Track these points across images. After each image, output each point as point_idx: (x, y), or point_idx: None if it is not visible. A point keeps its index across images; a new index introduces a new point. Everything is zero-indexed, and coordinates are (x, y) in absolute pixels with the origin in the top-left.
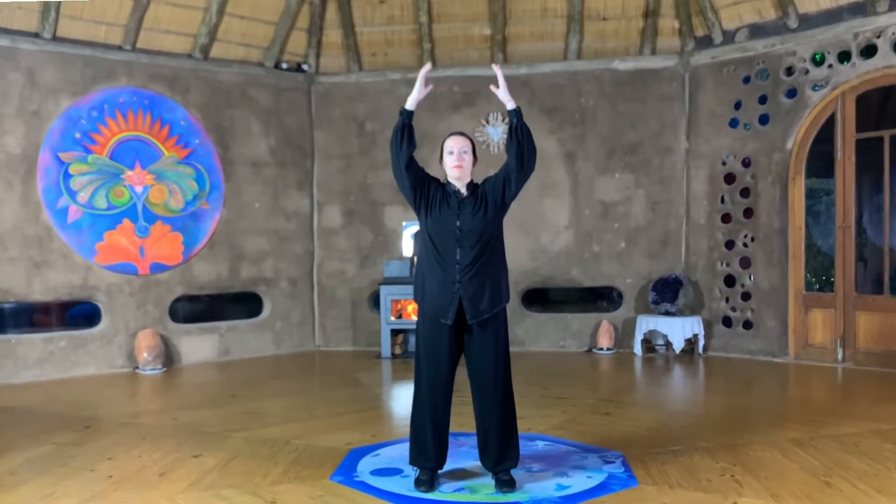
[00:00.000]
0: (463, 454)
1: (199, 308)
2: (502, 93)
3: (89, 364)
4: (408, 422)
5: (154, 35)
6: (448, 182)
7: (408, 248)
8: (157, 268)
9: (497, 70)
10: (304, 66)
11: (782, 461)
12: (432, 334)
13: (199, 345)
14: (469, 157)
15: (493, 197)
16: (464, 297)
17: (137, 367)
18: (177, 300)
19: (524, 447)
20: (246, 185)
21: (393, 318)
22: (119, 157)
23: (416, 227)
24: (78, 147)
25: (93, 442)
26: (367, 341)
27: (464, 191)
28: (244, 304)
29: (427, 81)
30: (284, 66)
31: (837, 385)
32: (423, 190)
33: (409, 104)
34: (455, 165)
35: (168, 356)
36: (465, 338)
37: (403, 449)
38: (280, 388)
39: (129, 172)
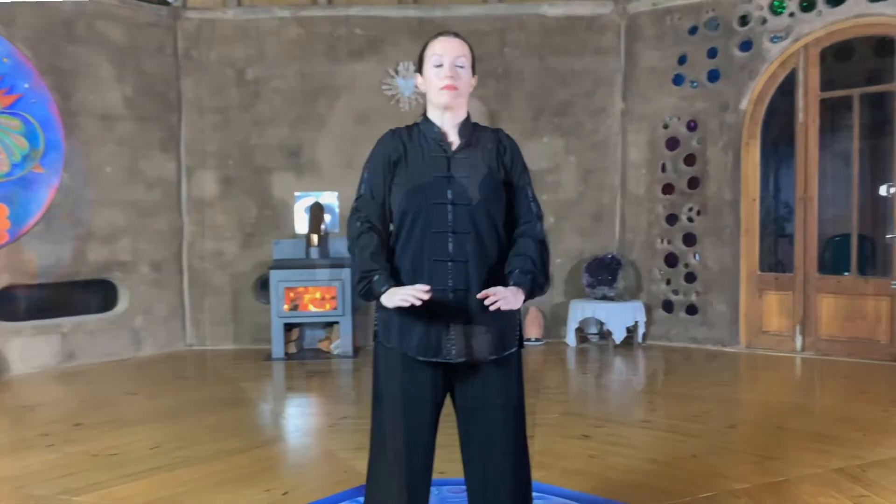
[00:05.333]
0: None
1: (34, 301)
2: (506, 302)
3: None
4: (332, 469)
5: None
6: (426, 120)
7: (301, 224)
8: None
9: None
10: None
11: None
12: (406, 381)
13: (35, 348)
14: (467, 75)
15: (506, 177)
16: (460, 318)
17: None
18: (2, 291)
19: None
20: (94, 143)
21: (286, 310)
22: None
23: (312, 199)
24: None
25: None
26: (252, 338)
27: (454, 137)
28: (94, 294)
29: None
30: None
31: (824, 382)
32: (394, 176)
33: (387, 299)
34: (445, 86)
35: None
36: (456, 378)
37: None
38: (142, 411)
39: None
